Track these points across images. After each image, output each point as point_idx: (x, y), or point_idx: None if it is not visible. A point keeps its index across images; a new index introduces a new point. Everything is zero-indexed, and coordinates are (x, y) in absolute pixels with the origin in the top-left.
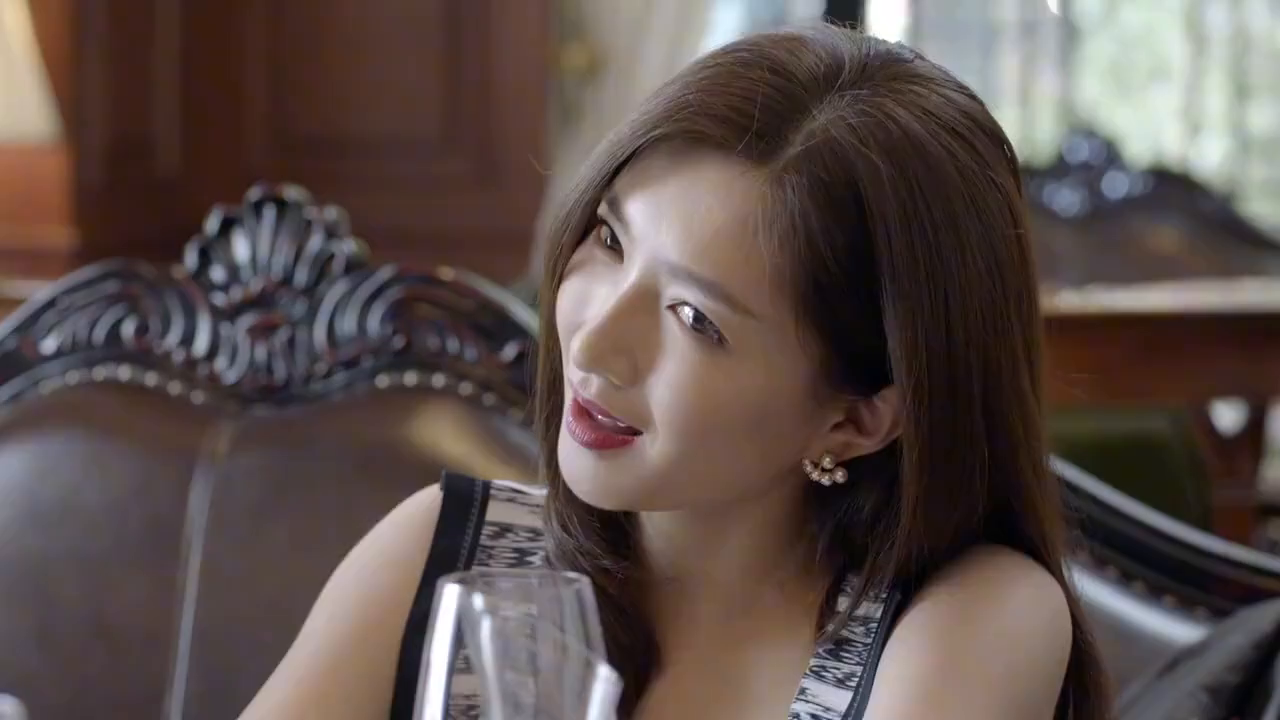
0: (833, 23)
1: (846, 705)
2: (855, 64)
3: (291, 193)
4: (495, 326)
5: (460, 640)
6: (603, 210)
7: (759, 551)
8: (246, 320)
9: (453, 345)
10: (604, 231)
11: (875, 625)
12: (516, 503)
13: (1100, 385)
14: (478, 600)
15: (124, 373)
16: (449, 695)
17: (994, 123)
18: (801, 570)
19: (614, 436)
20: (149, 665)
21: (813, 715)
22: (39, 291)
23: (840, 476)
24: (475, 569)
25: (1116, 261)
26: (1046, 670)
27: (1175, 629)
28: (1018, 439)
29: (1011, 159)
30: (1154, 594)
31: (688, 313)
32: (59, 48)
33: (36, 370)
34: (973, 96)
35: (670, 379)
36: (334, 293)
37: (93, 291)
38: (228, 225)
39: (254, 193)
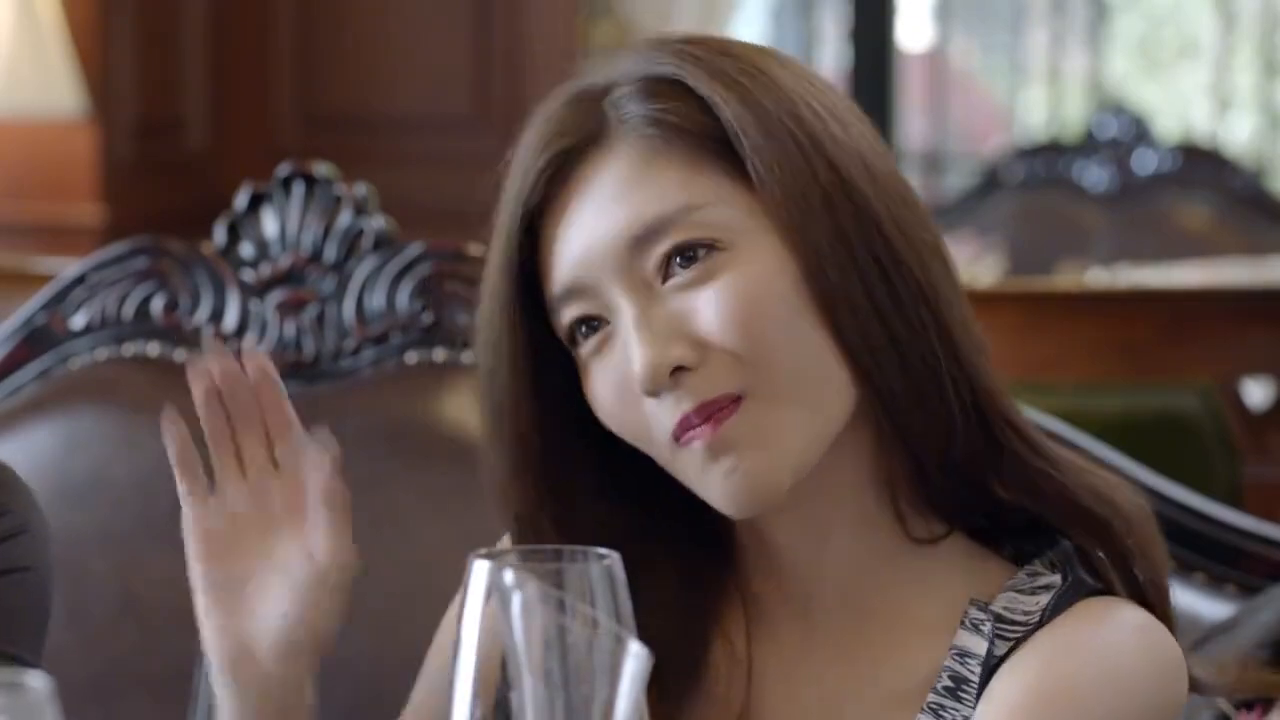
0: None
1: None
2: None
3: (320, 169)
4: None
5: (491, 617)
6: (554, 309)
7: (864, 544)
8: (275, 296)
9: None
10: (566, 326)
11: (982, 661)
12: None
13: (1129, 362)
14: (508, 576)
15: (153, 349)
16: (480, 670)
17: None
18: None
19: (718, 415)
20: (177, 640)
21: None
22: (68, 268)
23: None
24: (505, 546)
25: (1146, 238)
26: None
27: (1205, 606)
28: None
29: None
30: (1184, 571)
31: (674, 257)
32: (88, 25)
33: (66, 346)
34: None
35: (711, 314)
36: (363, 269)
37: (122, 268)
38: (257, 201)
39: (283, 169)
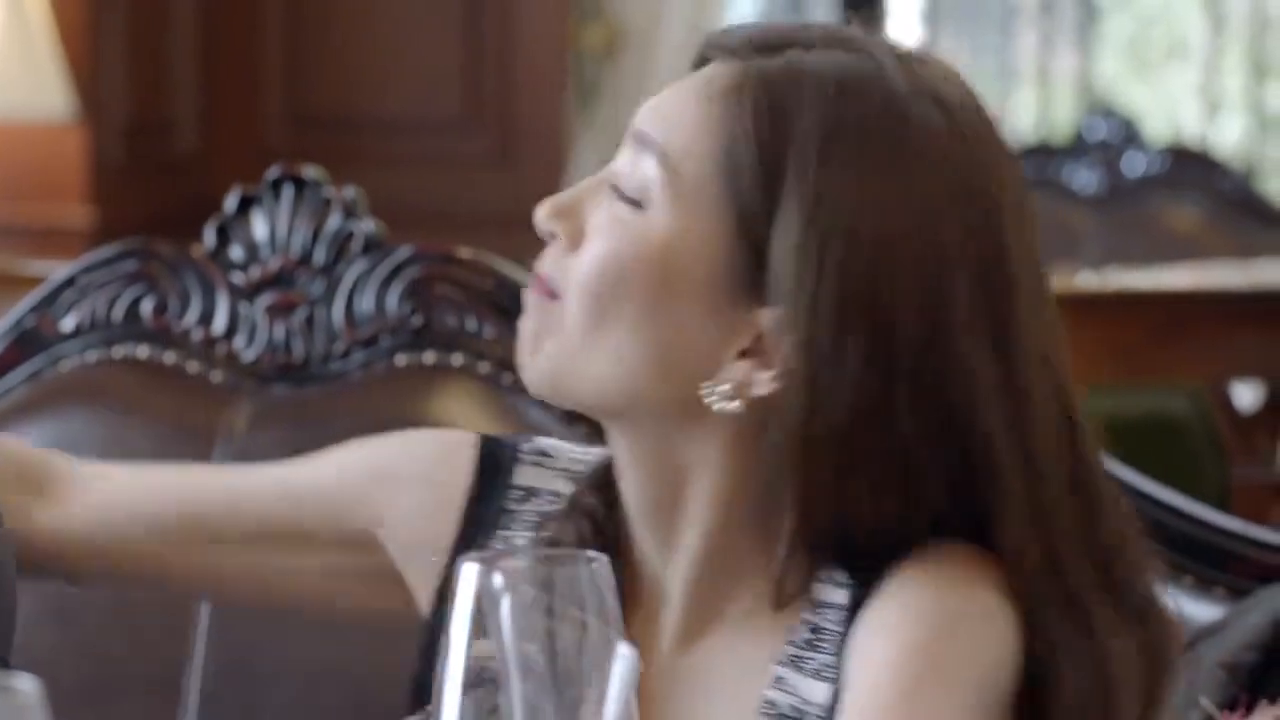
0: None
1: (826, 698)
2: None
3: (310, 172)
4: (514, 305)
5: (480, 617)
6: None
7: (721, 527)
8: (265, 299)
9: (471, 324)
10: None
11: (844, 613)
12: (544, 466)
13: (1119, 364)
14: (497, 579)
15: (143, 351)
16: (469, 672)
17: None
18: (759, 547)
19: (547, 285)
20: (168, 643)
21: (794, 708)
22: (58, 270)
23: (738, 406)
24: (495, 548)
25: (1135, 241)
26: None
27: (1194, 608)
28: (989, 429)
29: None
30: (1173, 573)
31: (623, 170)
32: (78, 26)
33: (56, 349)
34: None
35: (591, 245)
36: (352, 272)
37: (112, 270)
38: (246, 204)
39: (272, 172)
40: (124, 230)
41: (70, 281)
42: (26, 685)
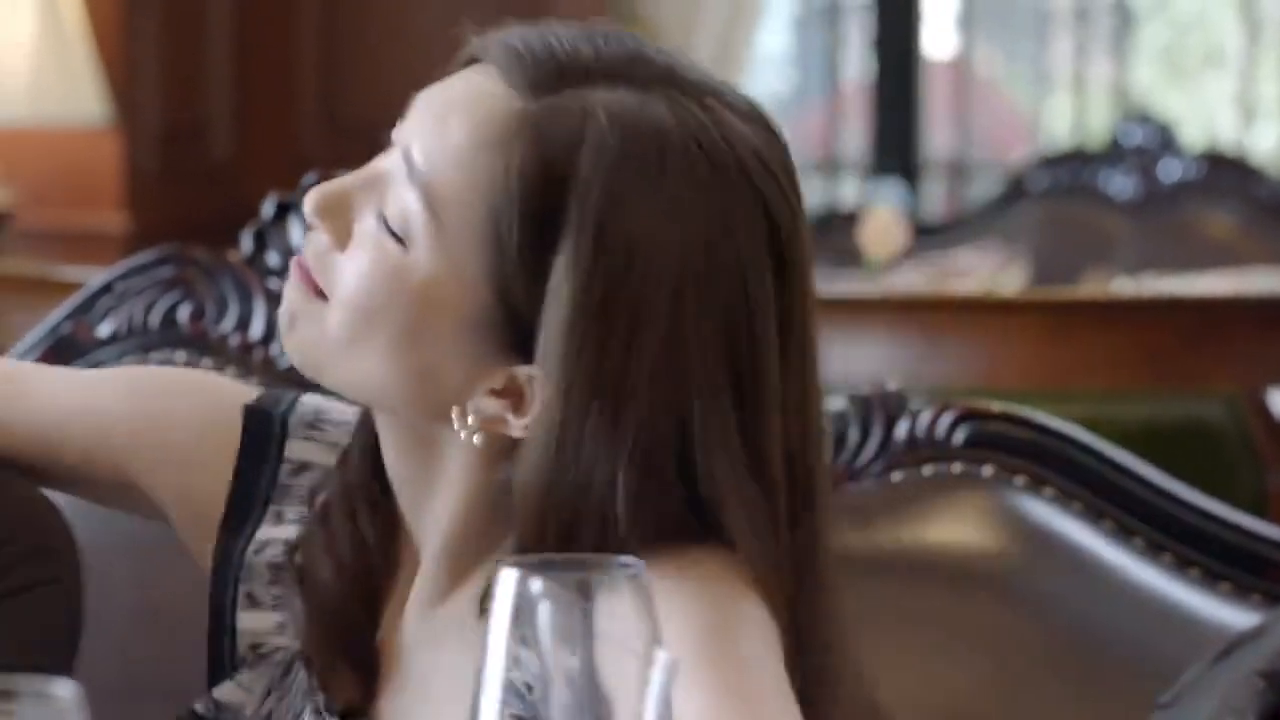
0: (881, 10)
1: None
2: (661, 65)
3: None
4: None
5: (519, 625)
6: None
7: (460, 521)
8: None
9: None
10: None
11: None
12: (314, 440)
13: (1154, 371)
14: (535, 585)
15: (179, 357)
16: (507, 680)
17: (770, 180)
18: (493, 543)
19: (311, 279)
20: (197, 649)
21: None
22: (94, 276)
23: (477, 440)
24: (527, 555)
25: (1171, 247)
26: None
27: (1231, 615)
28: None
29: (773, 223)
30: (1209, 580)
31: (395, 208)
32: (113, 32)
33: (93, 355)
34: (773, 133)
35: (355, 259)
36: None
37: (148, 276)
38: (283, 210)
39: (309, 178)
40: (158, 236)
41: (107, 287)
42: (65, 691)
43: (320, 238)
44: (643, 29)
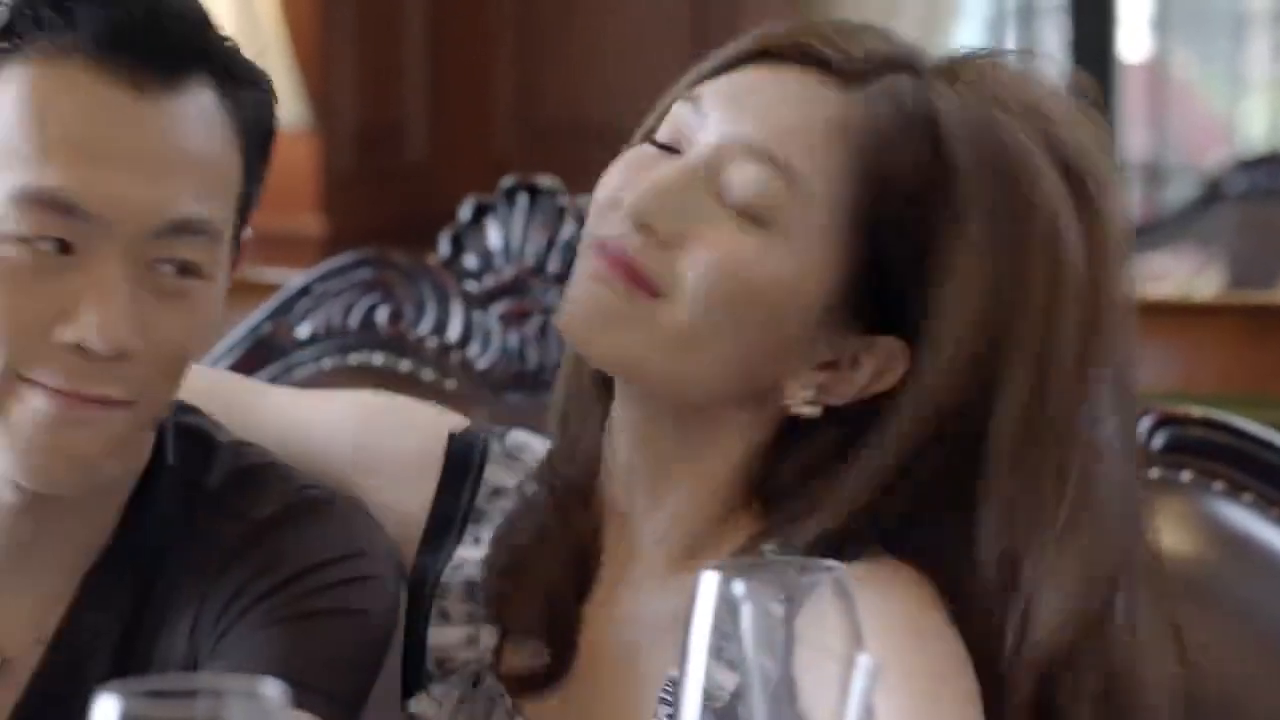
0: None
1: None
2: (924, 54)
3: (544, 180)
4: None
5: (721, 628)
6: (678, 105)
7: (711, 495)
8: (499, 307)
9: None
10: (661, 131)
11: None
12: (512, 468)
13: None
14: (738, 587)
15: (377, 359)
16: (710, 683)
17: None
18: (735, 523)
19: (642, 278)
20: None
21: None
22: (293, 278)
23: (816, 411)
24: (731, 558)
25: None
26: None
27: None
28: (1062, 477)
29: (1095, 206)
30: None
31: (747, 186)
32: (309, 36)
33: (291, 356)
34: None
35: (711, 248)
36: None
37: (347, 278)
38: (481, 213)
39: (507, 180)
40: (353, 238)
41: (306, 290)
42: (272, 691)
43: (646, 237)
44: None
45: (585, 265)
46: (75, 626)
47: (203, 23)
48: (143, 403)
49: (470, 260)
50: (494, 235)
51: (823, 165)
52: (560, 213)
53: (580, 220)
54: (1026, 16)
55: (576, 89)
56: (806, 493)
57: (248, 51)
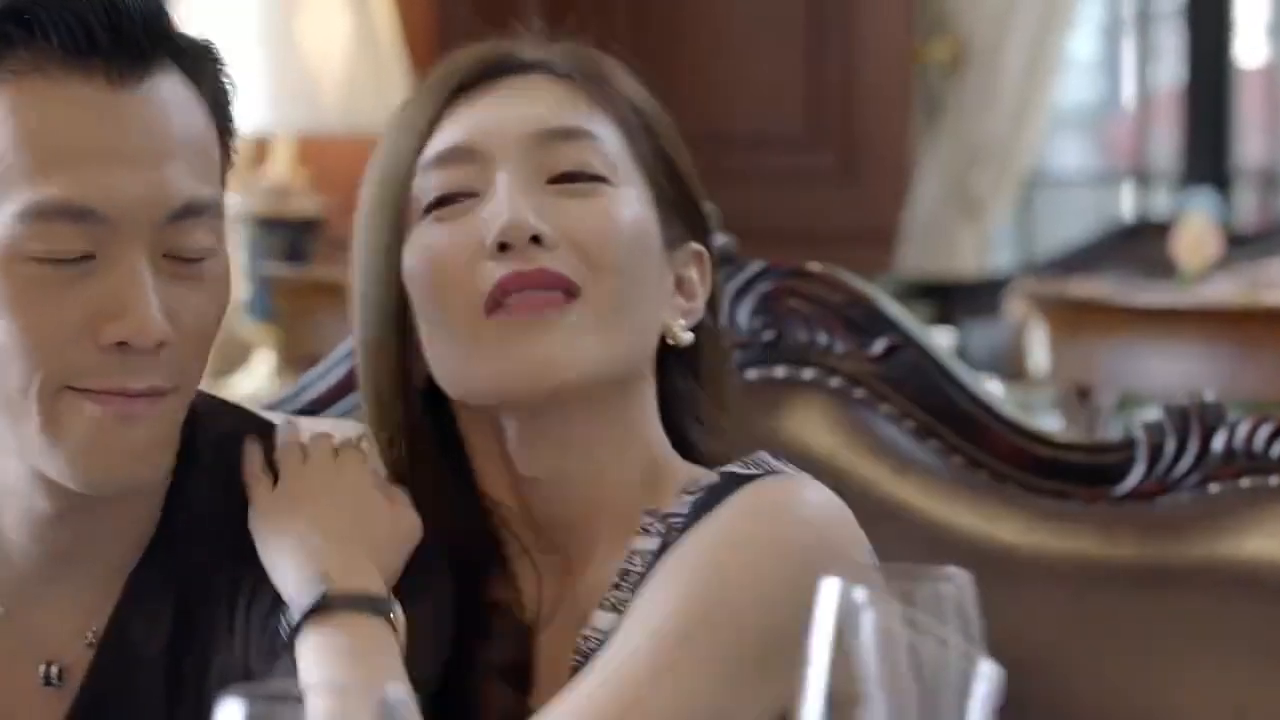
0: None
1: (609, 626)
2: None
3: None
4: (865, 320)
5: (841, 634)
6: (426, 172)
7: (642, 458)
8: None
9: (822, 339)
10: (430, 199)
11: (649, 554)
12: None
13: None
14: (859, 594)
15: None
16: (830, 688)
17: None
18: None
19: (564, 279)
20: None
21: (584, 638)
22: None
23: (690, 336)
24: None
25: None
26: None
27: None
28: None
29: None
30: None
31: (570, 157)
32: (426, 41)
33: None
34: None
35: (587, 219)
36: None
37: None
38: None
39: None
40: None
41: None
42: (398, 694)
43: (535, 249)
44: (953, 39)
45: (521, 303)
46: (123, 626)
47: (157, 10)
48: (183, 387)
49: None
50: None
51: (598, 117)
52: None
53: None
54: (1143, 23)
55: (692, 98)
56: (701, 423)
57: (366, 61)
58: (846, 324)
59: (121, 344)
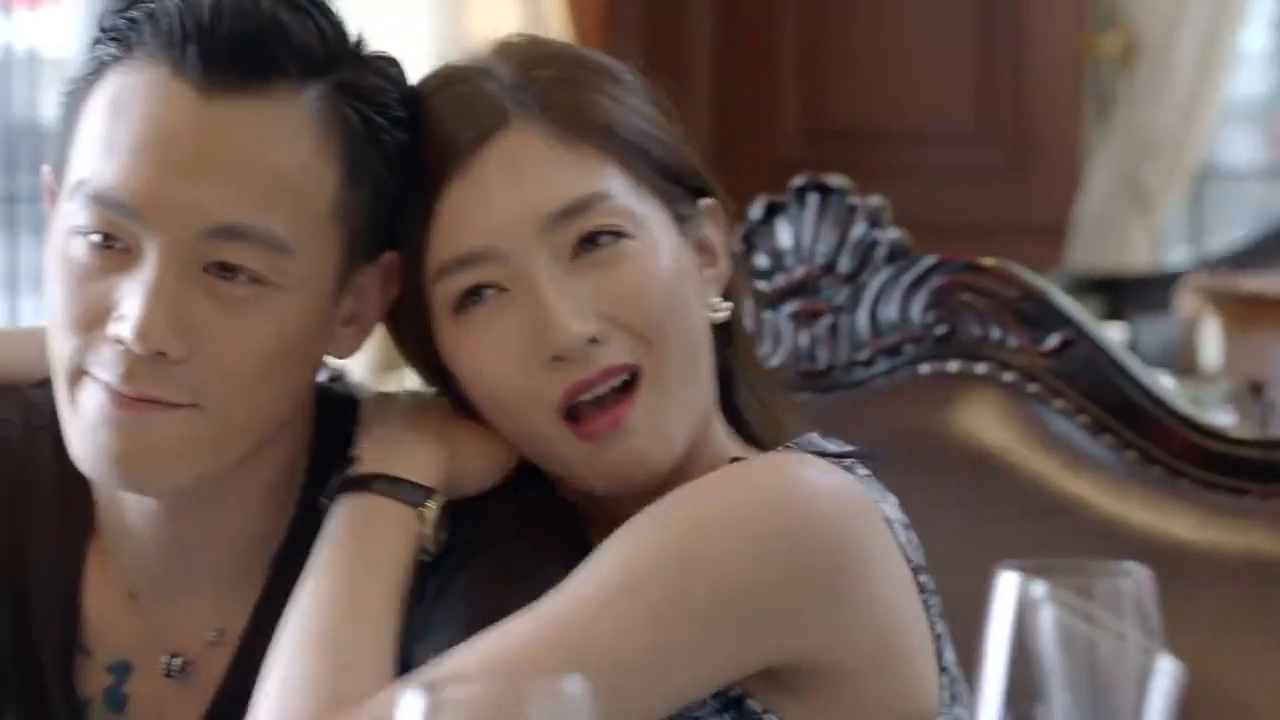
0: None
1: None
2: None
3: (835, 180)
4: (1038, 314)
5: (1019, 630)
6: (444, 277)
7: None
8: (789, 307)
9: (995, 333)
10: (454, 297)
11: None
12: None
13: None
14: (1037, 588)
15: None
16: (1008, 682)
17: None
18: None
19: (623, 400)
20: None
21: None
22: None
23: (725, 312)
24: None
25: None
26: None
27: None
28: None
29: None
30: None
31: (586, 238)
32: (596, 34)
33: None
34: None
35: (627, 300)
36: (876, 280)
37: None
38: (771, 212)
39: (797, 180)
40: None
41: None
42: (572, 689)
43: (594, 347)
44: (1125, 32)
45: (597, 415)
46: (264, 619)
47: (305, 30)
48: (212, 409)
49: (760, 260)
50: (784, 235)
51: (594, 164)
52: (850, 212)
53: (871, 220)
54: None
55: (861, 93)
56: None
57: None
58: (1020, 318)
59: (121, 341)
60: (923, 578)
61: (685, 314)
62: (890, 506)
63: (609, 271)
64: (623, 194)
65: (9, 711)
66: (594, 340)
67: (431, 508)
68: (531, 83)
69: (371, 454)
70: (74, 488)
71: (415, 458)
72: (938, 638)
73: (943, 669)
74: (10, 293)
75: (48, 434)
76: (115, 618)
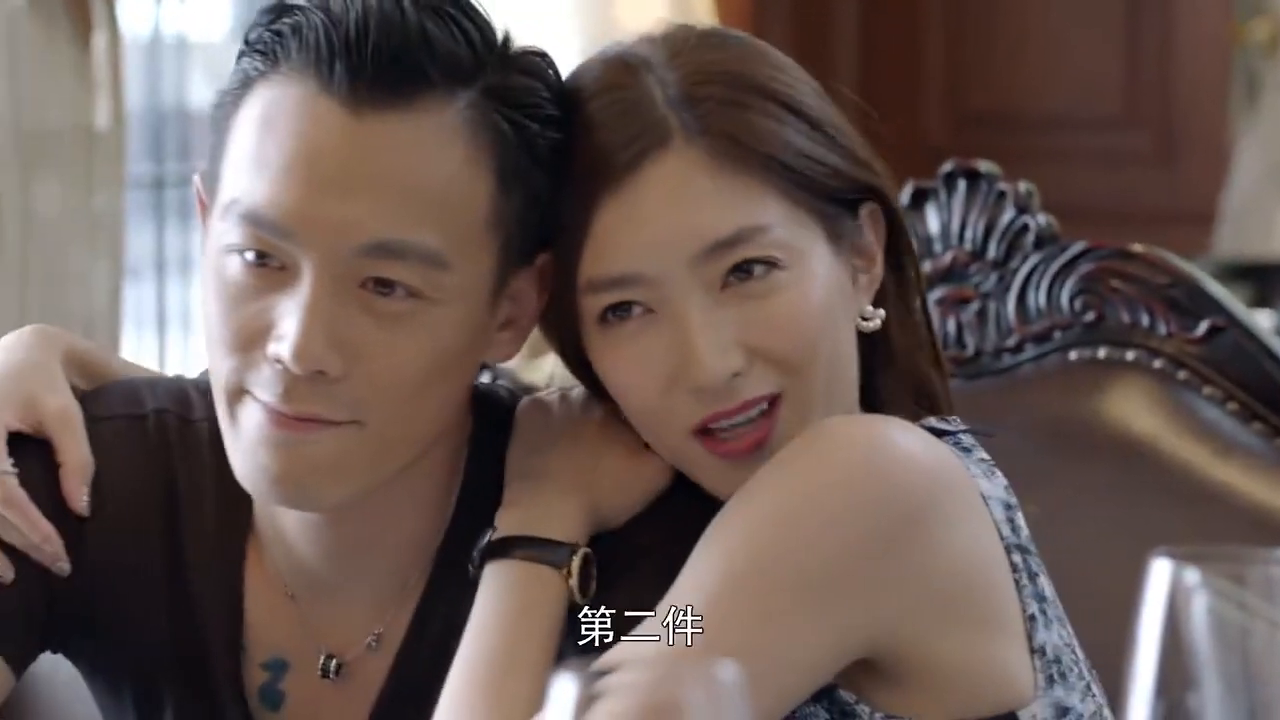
0: None
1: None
2: None
3: (984, 165)
4: (1189, 301)
5: (1172, 618)
6: (592, 294)
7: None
8: (937, 292)
9: (1144, 320)
10: (599, 309)
11: None
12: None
13: None
14: (1191, 575)
15: None
16: (1159, 669)
17: None
18: None
19: (764, 419)
20: None
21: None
22: None
23: (878, 321)
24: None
25: None
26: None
27: None
28: None
29: None
30: None
31: (737, 268)
32: (743, 27)
33: None
34: None
35: (776, 336)
36: (1025, 266)
37: None
38: (919, 198)
39: (946, 165)
40: None
41: None
42: (727, 675)
43: (736, 378)
44: (1274, 19)
45: (733, 440)
46: (424, 623)
47: (451, 39)
48: (372, 425)
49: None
50: (933, 220)
51: (755, 193)
52: (999, 198)
53: (1020, 206)
54: None
55: (1007, 79)
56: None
57: None
58: (1169, 305)
59: (280, 361)
60: (1016, 557)
61: (833, 339)
62: (992, 484)
63: (759, 304)
64: (780, 225)
65: (169, 706)
66: (737, 374)
67: (575, 562)
68: (697, 101)
69: (511, 518)
70: (233, 484)
71: (553, 518)
72: (1030, 619)
73: (1036, 651)
74: (158, 275)
75: (205, 427)
76: (273, 616)
